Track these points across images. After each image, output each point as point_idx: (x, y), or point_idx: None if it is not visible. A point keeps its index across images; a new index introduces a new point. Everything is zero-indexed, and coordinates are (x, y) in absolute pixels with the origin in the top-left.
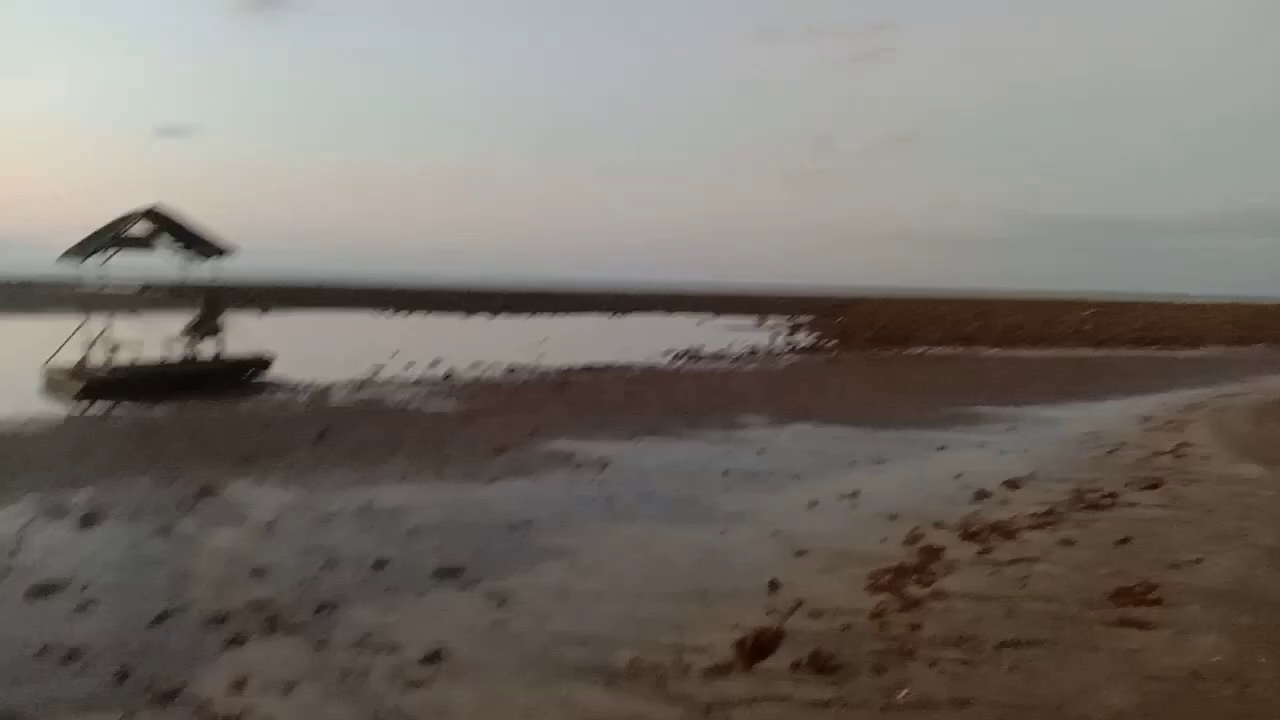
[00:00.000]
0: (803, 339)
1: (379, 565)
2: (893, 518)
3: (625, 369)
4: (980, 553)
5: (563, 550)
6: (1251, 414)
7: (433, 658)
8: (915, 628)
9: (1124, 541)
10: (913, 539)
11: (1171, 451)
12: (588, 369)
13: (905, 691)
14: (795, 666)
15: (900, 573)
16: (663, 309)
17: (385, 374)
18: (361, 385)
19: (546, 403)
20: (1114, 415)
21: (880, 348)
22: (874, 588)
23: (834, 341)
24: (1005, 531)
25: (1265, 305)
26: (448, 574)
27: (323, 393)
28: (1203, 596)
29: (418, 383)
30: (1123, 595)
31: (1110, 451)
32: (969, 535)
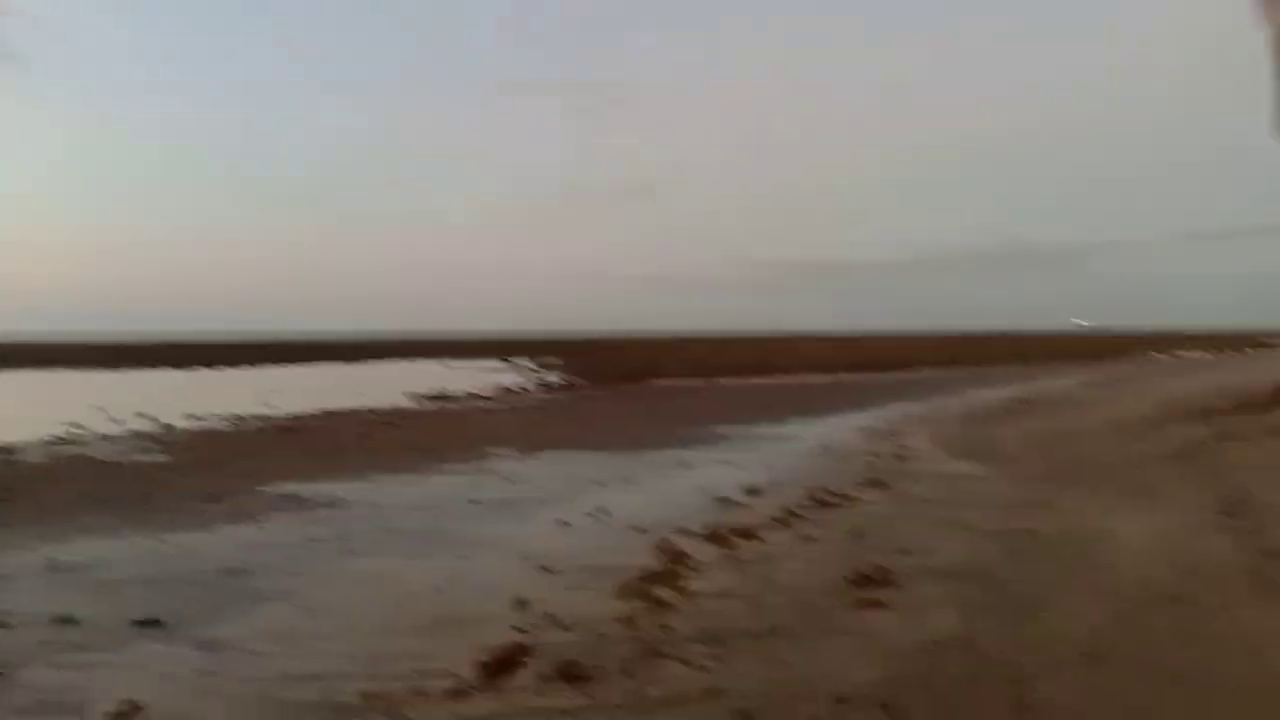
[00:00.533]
0: (553, 378)
1: (64, 621)
2: (641, 530)
3: (364, 412)
4: (725, 554)
5: (286, 592)
6: (960, 421)
7: (125, 714)
8: (665, 628)
9: (857, 535)
10: (661, 548)
11: (894, 455)
12: (322, 414)
13: (655, 690)
14: (543, 679)
15: (649, 579)
16: (409, 356)
17: (87, 430)
18: (58, 442)
19: (274, 449)
20: (842, 428)
21: (628, 383)
22: (623, 595)
23: (584, 380)
24: (748, 533)
25: (962, 337)
26: (148, 625)
27: (6, 452)
28: (933, 576)
29: (126, 437)
30: (860, 581)
31: (840, 459)
32: (714, 539)
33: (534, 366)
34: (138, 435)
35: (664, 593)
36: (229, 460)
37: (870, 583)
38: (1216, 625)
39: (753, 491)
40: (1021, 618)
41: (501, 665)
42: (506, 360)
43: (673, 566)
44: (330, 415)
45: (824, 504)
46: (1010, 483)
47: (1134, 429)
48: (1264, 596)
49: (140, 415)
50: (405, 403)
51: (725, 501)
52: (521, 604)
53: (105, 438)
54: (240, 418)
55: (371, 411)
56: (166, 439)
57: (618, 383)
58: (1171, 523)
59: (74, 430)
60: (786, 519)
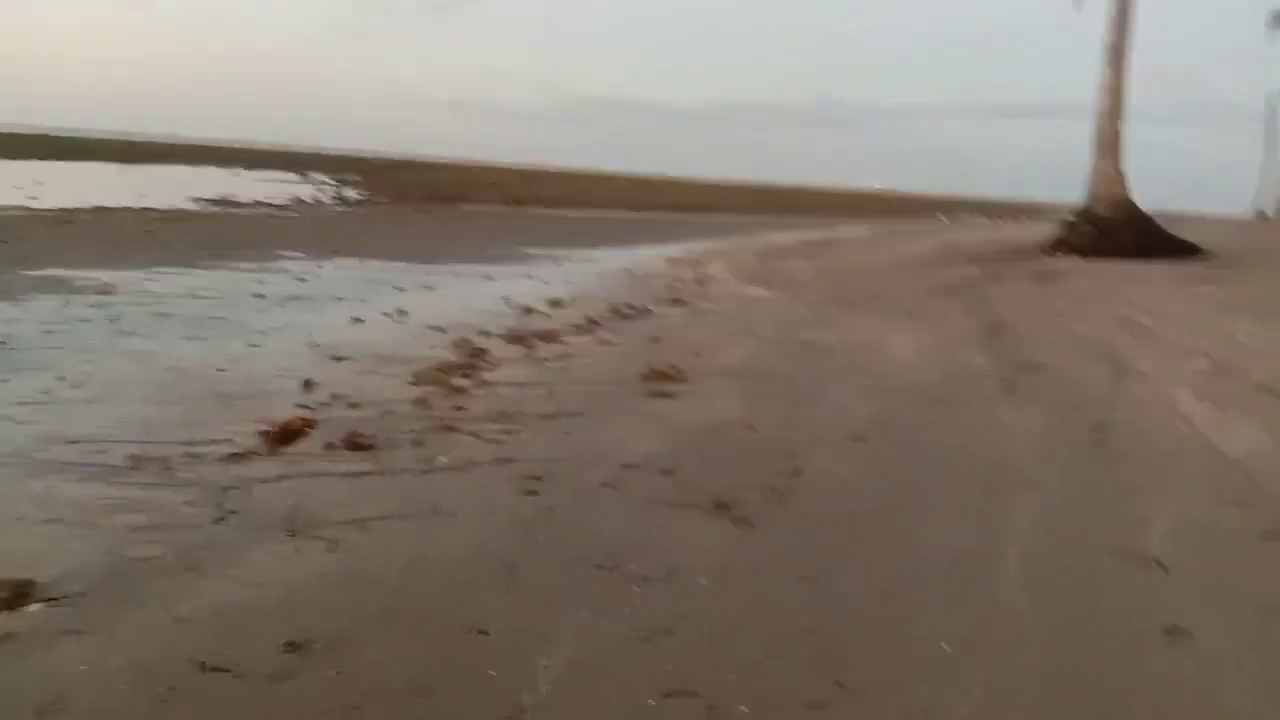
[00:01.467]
0: (352, 194)
1: None
2: (440, 330)
3: (141, 210)
4: (525, 353)
5: (48, 364)
6: (756, 256)
7: None
8: (459, 409)
9: (654, 340)
10: (460, 345)
11: (694, 280)
12: (96, 209)
13: (445, 458)
14: (329, 447)
15: (446, 369)
16: (188, 160)
17: None
18: None
19: (41, 237)
20: (647, 257)
21: (433, 205)
22: (418, 383)
23: (384, 199)
24: (549, 337)
25: (766, 187)
26: None
27: None
28: (719, 374)
29: None
30: (653, 376)
31: (643, 280)
32: (515, 340)
33: (331, 182)
34: None
35: (460, 381)
36: None
37: (662, 377)
38: (969, 418)
39: (556, 303)
40: (798, 407)
41: (285, 435)
42: (302, 175)
43: (470, 360)
44: (105, 211)
45: (624, 316)
46: (799, 305)
47: (915, 268)
48: (1010, 399)
49: None
50: (188, 205)
51: (528, 310)
52: (310, 385)
53: None
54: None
55: (150, 210)
56: None
57: (422, 203)
58: (939, 339)
59: None
60: (587, 326)
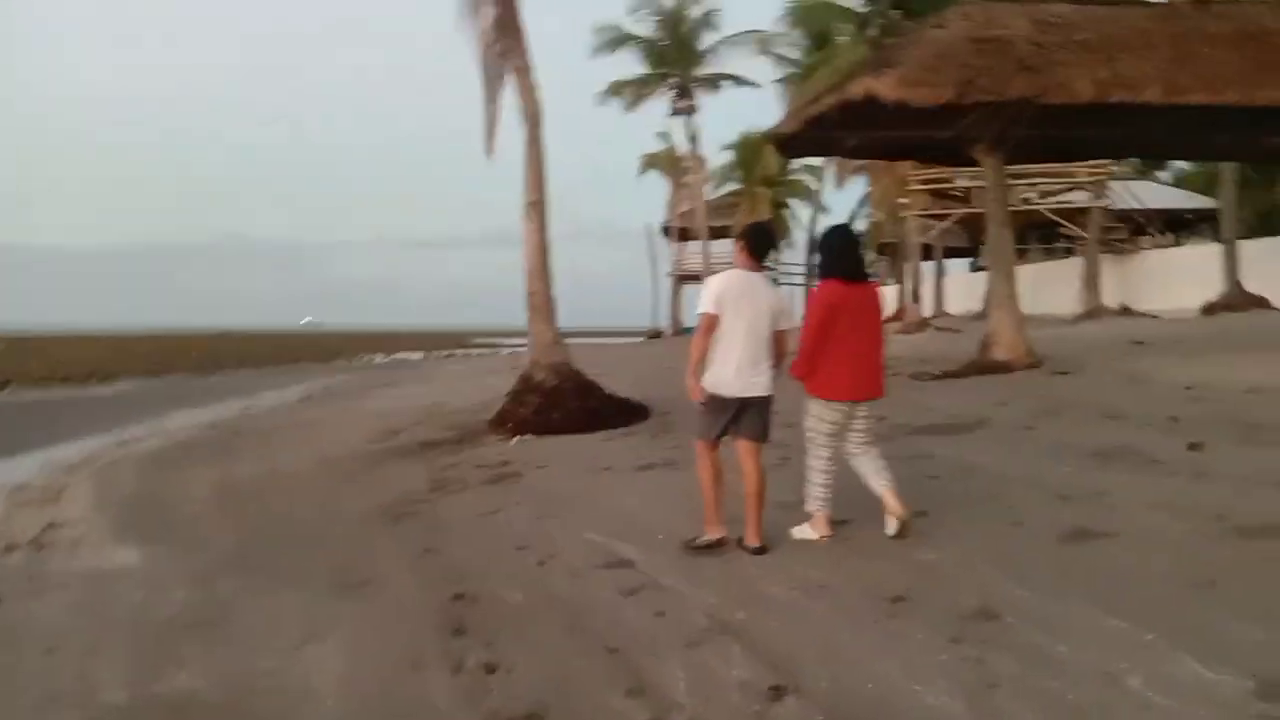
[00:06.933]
0: None
1: None
2: None
3: None
4: None
5: None
6: (147, 462)
7: None
8: None
9: None
10: None
11: (33, 541)
12: None
13: None
14: None
15: None
16: None
17: None
18: None
19: None
20: None
21: None
22: None
23: None
24: None
25: (180, 335)
26: None
27: None
28: None
29: None
30: None
31: None
32: None
33: None
34: None
35: None
36: None
37: None
38: None
39: None
40: None
41: None
42: None
43: None
44: None
45: None
46: (181, 581)
47: (349, 469)
48: None
49: None
50: None
51: None
52: None
53: None
54: None
55: None
56: None
57: None
58: (383, 649)
59: None
60: None
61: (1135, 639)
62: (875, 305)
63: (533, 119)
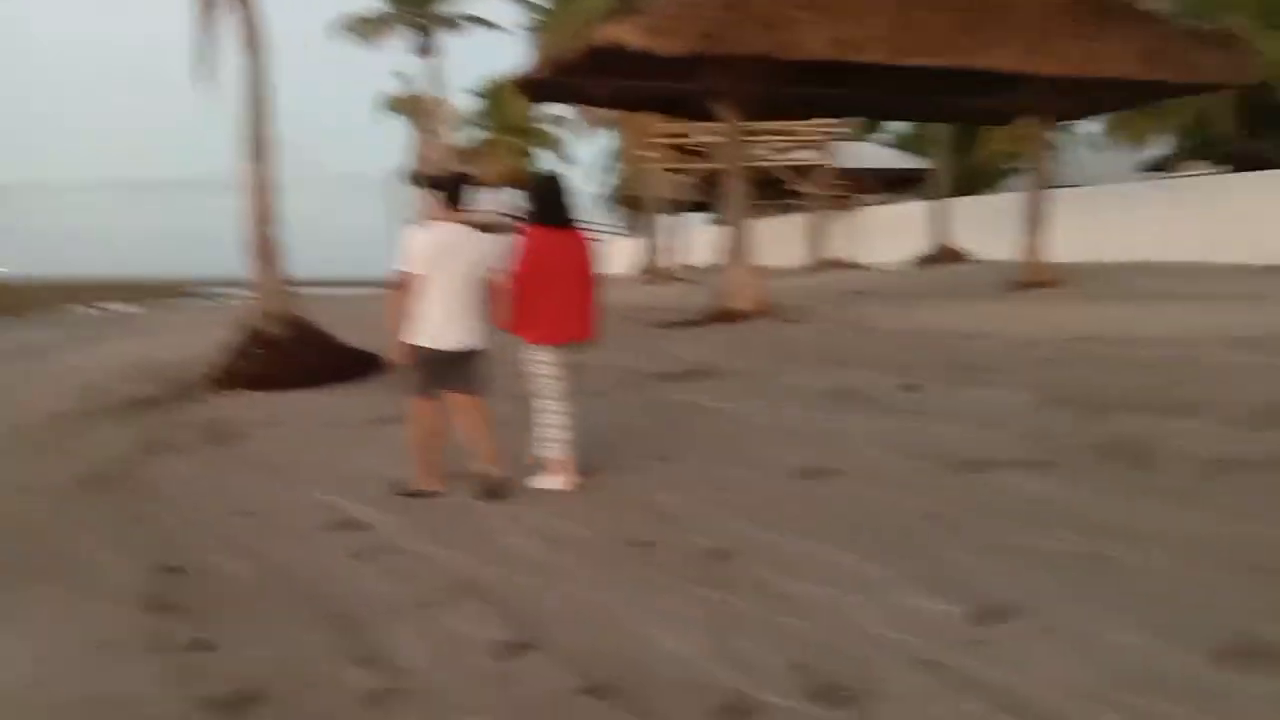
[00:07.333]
0: None
1: None
2: None
3: None
4: None
5: None
6: None
7: None
8: None
9: None
10: None
11: None
12: None
13: None
14: None
15: None
16: None
17: None
18: None
19: None
20: None
21: None
22: None
23: None
24: None
25: None
26: None
27: None
28: None
29: None
30: None
31: None
32: None
33: None
34: None
35: None
36: None
37: None
38: None
39: None
40: None
41: None
42: None
43: None
44: None
45: None
46: None
47: (39, 440)
48: None
49: None
50: None
51: None
52: None
53: None
54: None
55: None
56: None
57: None
58: (82, 640)
59: None
60: None
61: (866, 574)
62: (583, 251)
63: (254, 47)
